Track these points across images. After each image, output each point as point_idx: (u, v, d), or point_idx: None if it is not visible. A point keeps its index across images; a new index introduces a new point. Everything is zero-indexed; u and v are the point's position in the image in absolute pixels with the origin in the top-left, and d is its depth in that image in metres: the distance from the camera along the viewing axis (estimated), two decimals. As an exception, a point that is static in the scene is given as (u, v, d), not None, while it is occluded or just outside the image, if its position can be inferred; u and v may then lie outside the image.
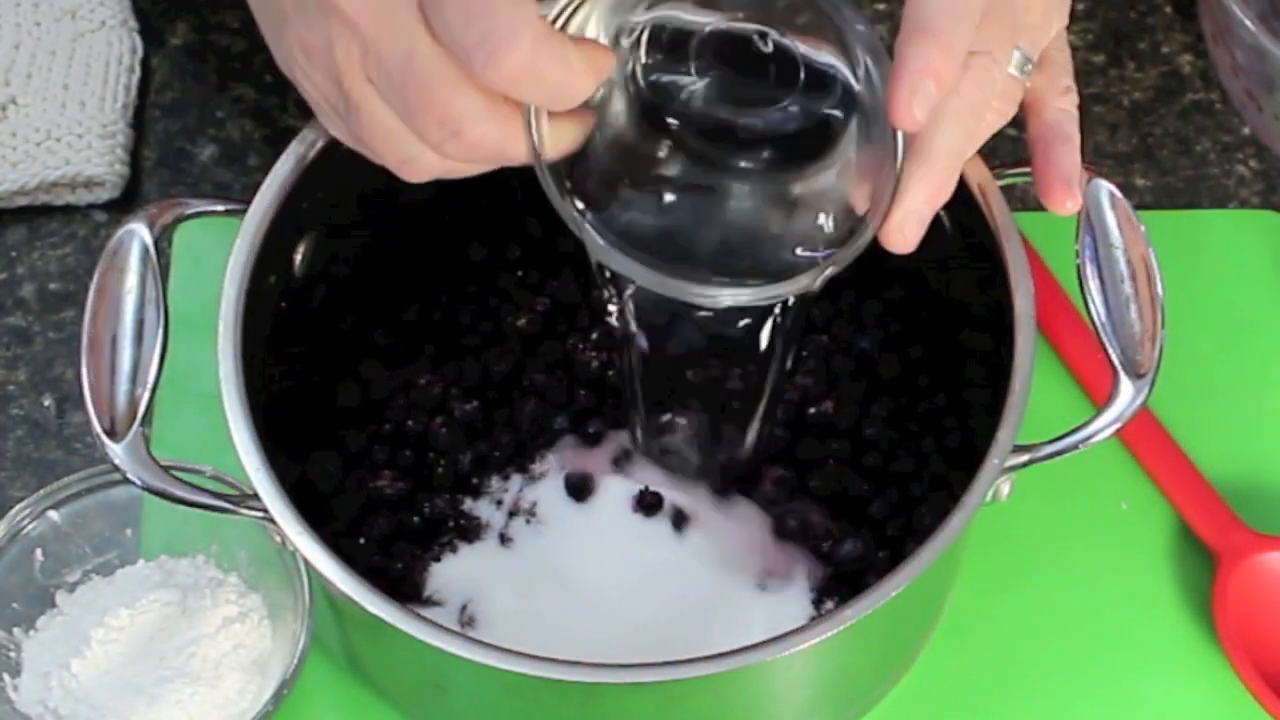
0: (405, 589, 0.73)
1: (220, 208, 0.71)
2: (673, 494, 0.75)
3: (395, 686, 0.74)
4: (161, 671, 0.72)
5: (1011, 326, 0.67)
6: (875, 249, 0.79)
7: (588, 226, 0.63)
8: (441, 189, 0.78)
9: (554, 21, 0.61)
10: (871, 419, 0.76)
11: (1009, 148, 0.87)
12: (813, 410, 0.77)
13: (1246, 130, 0.88)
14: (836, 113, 0.62)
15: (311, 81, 0.63)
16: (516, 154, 0.61)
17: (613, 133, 0.63)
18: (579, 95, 0.60)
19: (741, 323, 0.68)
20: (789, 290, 0.64)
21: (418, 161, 0.62)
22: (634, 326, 0.69)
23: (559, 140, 0.62)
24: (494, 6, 0.57)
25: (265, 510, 0.65)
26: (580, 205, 0.63)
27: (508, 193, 0.79)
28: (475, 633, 0.72)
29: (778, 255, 0.64)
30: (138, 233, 0.67)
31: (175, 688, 0.72)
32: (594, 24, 0.62)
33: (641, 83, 0.63)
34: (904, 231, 0.63)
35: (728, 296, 0.64)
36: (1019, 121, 0.88)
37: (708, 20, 0.62)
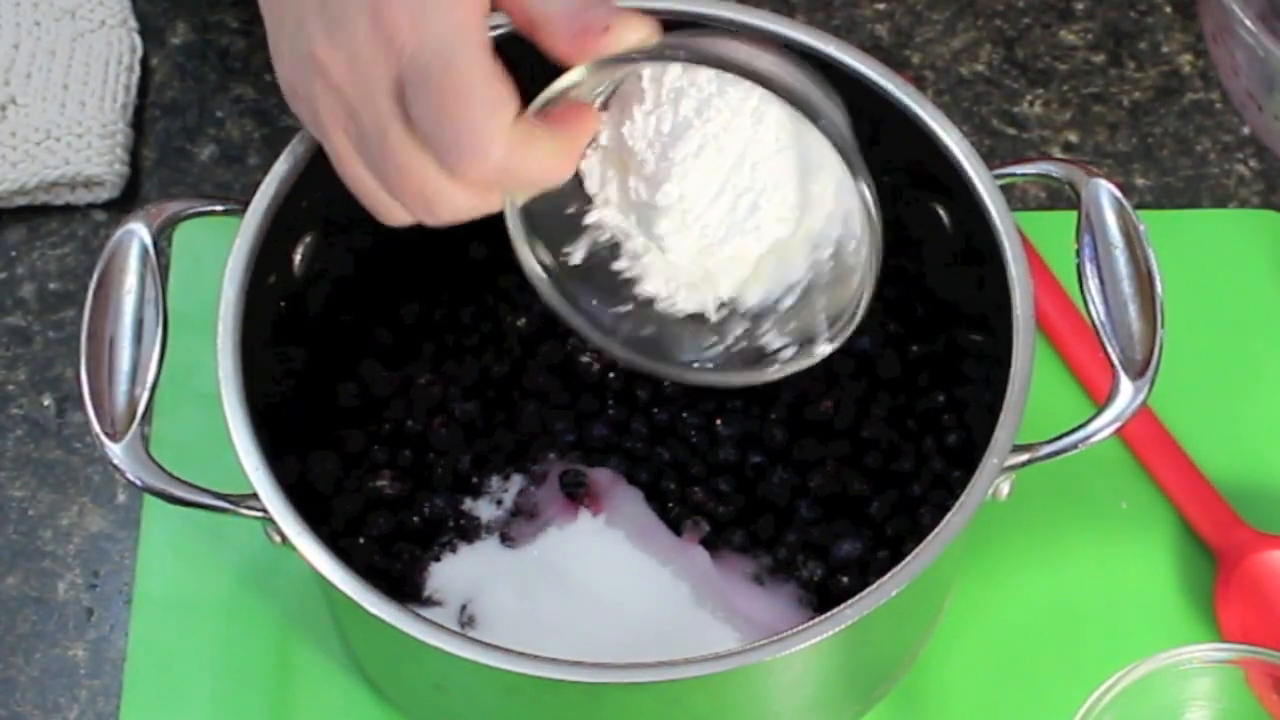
0: (405, 589, 0.73)
1: (220, 208, 0.71)
2: (673, 495, 0.75)
3: (395, 686, 0.74)
4: None
5: (1011, 326, 0.67)
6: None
7: (543, 278, 0.66)
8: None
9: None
10: (871, 419, 0.76)
11: (1009, 147, 0.88)
12: (812, 410, 0.77)
13: (1246, 130, 0.88)
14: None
15: (297, 109, 0.64)
16: (493, 209, 0.64)
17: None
18: (557, 181, 0.62)
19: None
20: (742, 382, 0.67)
21: (391, 213, 0.64)
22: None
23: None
24: (465, 115, 0.58)
25: (265, 510, 0.65)
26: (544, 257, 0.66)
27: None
28: (475, 633, 0.72)
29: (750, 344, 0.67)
30: (137, 232, 0.68)
31: None
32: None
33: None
34: None
35: (690, 377, 0.68)
36: (1018, 120, 0.89)
37: None
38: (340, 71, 0.61)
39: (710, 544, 0.74)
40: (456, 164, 0.59)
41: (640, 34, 0.59)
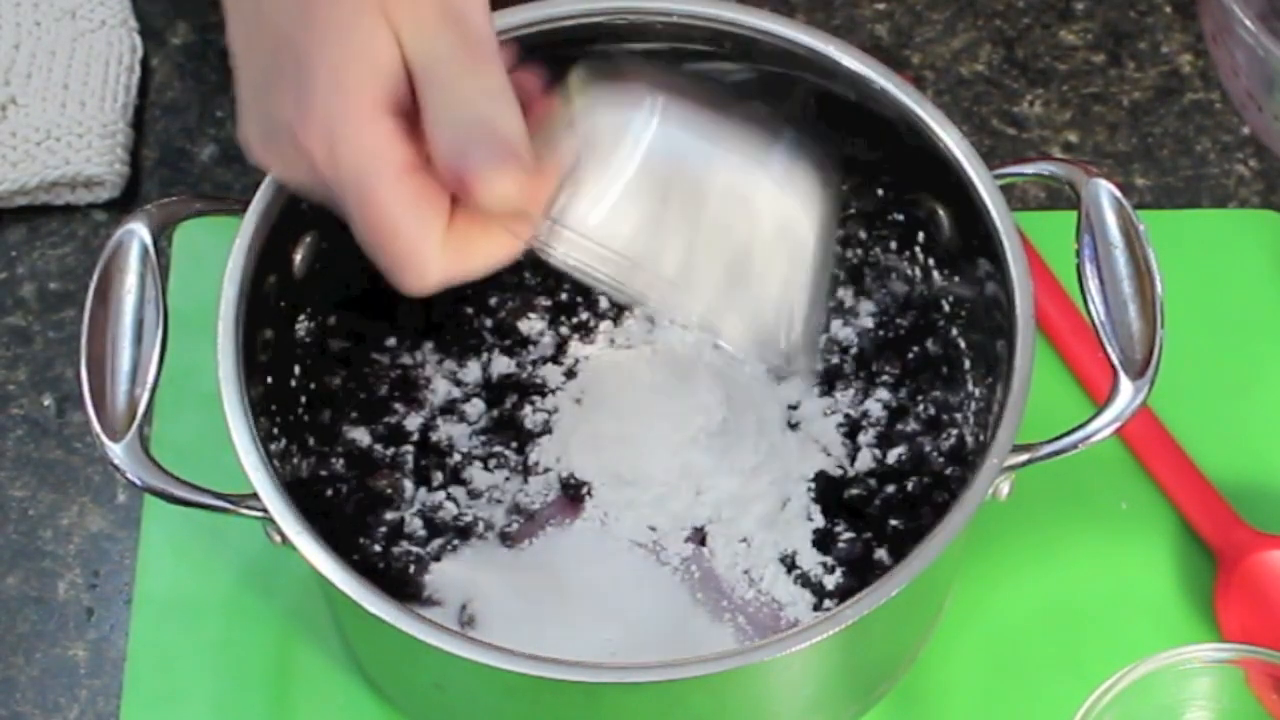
0: (405, 589, 0.73)
1: (220, 207, 0.71)
2: (672, 495, 0.75)
3: (395, 686, 0.74)
4: None
5: (1011, 326, 0.67)
6: (873, 252, 0.79)
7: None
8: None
9: None
10: (870, 418, 0.76)
11: (1009, 147, 0.88)
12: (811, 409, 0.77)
13: (1246, 130, 0.88)
14: None
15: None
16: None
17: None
18: (504, 264, 0.61)
19: None
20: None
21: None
22: None
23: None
24: (392, 243, 0.58)
25: (265, 510, 0.65)
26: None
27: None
28: (475, 633, 0.72)
29: None
30: (137, 232, 0.68)
31: None
32: None
33: None
34: None
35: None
36: (1018, 120, 0.89)
37: None
38: (280, 171, 0.62)
39: (710, 543, 0.74)
40: (399, 283, 0.59)
41: (503, 191, 0.57)
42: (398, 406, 0.77)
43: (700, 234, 0.62)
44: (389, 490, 0.75)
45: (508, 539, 0.75)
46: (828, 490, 0.75)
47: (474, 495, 0.76)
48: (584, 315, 0.79)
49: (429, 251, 0.58)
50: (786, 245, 0.63)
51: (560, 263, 0.62)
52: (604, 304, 0.79)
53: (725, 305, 0.63)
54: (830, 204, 0.64)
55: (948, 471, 0.75)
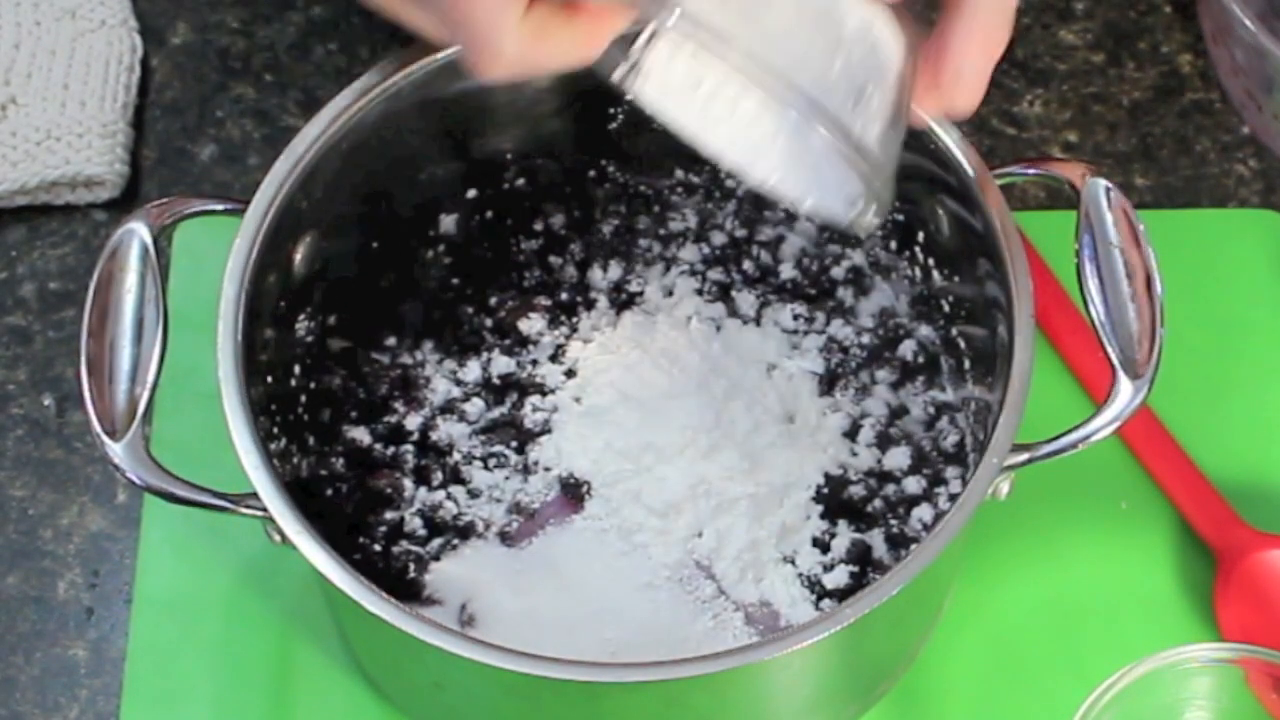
0: (405, 588, 0.73)
1: (220, 207, 0.71)
2: (672, 495, 0.75)
3: (395, 686, 0.74)
4: None
5: (1011, 326, 0.67)
6: (873, 252, 0.79)
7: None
8: (442, 188, 0.78)
9: None
10: (871, 418, 0.77)
11: (1009, 147, 0.88)
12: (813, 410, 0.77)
13: (1246, 130, 0.88)
14: None
15: None
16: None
17: None
18: (581, 63, 0.61)
19: None
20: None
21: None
22: None
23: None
24: (472, 15, 0.59)
25: (265, 509, 0.65)
26: None
27: (512, 192, 0.79)
28: (475, 632, 0.72)
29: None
30: (137, 232, 0.68)
31: None
32: None
33: None
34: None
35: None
36: (1018, 120, 0.89)
37: None
38: None
39: (710, 542, 0.74)
40: (474, 63, 0.60)
41: None
42: (398, 406, 0.77)
43: (786, 28, 0.61)
44: (389, 490, 0.75)
45: (508, 538, 0.75)
46: (828, 490, 0.75)
47: (474, 495, 0.76)
48: (584, 315, 0.79)
49: (506, 27, 0.59)
50: (869, 47, 0.62)
51: (634, 87, 0.61)
52: (604, 303, 0.79)
53: (811, 101, 0.61)
54: (912, 26, 0.62)
55: (948, 472, 0.75)
